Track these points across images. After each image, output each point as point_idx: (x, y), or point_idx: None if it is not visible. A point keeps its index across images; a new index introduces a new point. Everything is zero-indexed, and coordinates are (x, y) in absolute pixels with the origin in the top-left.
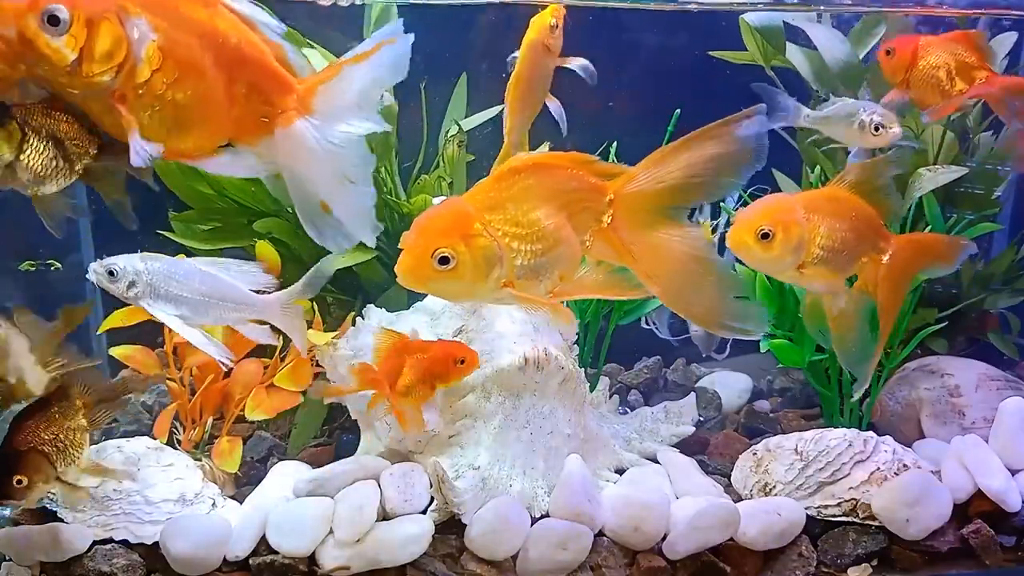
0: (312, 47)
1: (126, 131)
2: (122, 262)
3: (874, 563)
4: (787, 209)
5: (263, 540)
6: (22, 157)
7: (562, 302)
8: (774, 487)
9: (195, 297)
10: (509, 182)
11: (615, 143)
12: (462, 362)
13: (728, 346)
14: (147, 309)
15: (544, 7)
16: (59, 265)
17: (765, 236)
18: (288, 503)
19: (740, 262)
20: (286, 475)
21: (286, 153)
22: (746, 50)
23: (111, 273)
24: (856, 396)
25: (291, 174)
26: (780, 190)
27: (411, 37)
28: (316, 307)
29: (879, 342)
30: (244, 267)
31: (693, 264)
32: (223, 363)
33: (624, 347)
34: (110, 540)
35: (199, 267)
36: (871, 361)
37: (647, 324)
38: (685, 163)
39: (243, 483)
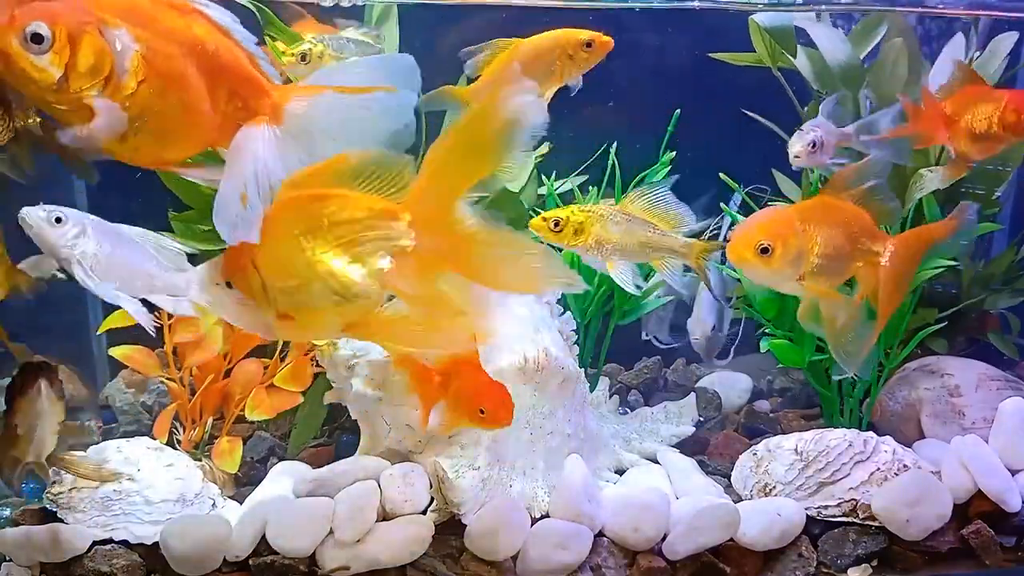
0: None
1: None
2: (67, 210)
3: (874, 563)
4: (784, 222)
5: (263, 540)
6: None
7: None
8: (774, 487)
9: (122, 262)
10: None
11: (615, 143)
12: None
13: (731, 352)
14: (79, 266)
15: (543, 8)
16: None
17: (765, 251)
18: (288, 503)
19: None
20: (286, 475)
21: (238, 146)
22: (752, 51)
23: (58, 220)
24: (836, 377)
25: (231, 165)
26: (780, 190)
27: (414, 96)
28: None
29: (872, 342)
30: (164, 242)
31: (506, 246)
32: (150, 330)
33: (624, 347)
34: (110, 540)
35: (127, 233)
36: (868, 360)
37: (646, 336)
38: (460, 148)
39: (243, 483)
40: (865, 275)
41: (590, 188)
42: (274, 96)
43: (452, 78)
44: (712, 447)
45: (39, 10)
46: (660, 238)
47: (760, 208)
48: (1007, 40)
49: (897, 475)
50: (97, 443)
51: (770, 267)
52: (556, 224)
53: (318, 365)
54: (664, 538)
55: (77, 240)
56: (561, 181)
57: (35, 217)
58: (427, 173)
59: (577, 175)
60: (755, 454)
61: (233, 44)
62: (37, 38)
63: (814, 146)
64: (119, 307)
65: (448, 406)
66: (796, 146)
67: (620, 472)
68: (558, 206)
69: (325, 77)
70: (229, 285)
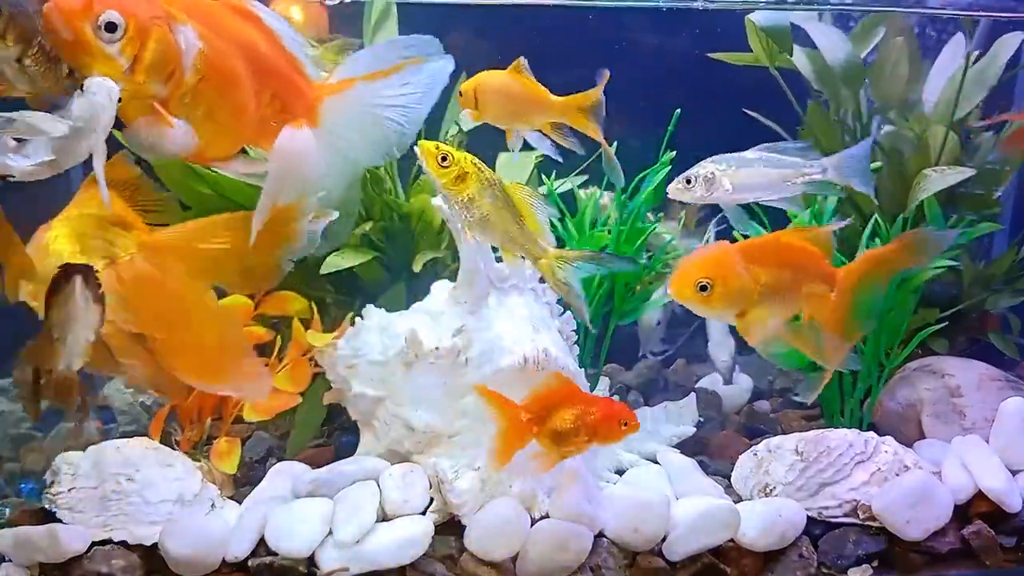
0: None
1: (161, 130)
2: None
3: (875, 564)
4: (725, 260)
5: (262, 541)
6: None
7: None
8: (774, 488)
9: None
10: None
11: (615, 143)
12: (626, 424)
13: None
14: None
15: (543, 7)
16: None
17: (704, 288)
18: (287, 504)
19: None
20: (285, 476)
21: (280, 154)
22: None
23: None
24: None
25: (277, 173)
26: None
27: (448, 60)
28: (315, 307)
29: (826, 377)
30: None
31: None
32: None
33: (624, 347)
34: (109, 541)
35: None
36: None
37: (643, 354)
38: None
39: (242, 484)
40: (815, 308)
41: (590, 188)
42: (310, 97)
43: (452, 78)
44: (712, 447)
45: (115, 0)
46: (521, 232)
47: (761, 210)
48: (1012, 41)
49: (898, 475)
50: (96, 443)
51: (709, 304)
52: (444, 159)
53: (317, 365)
54: (664, 539)
55: None
56: (561, 181)
57: None
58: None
59: (577, 175)
60: (755, 454)
61: (280, 48)
62: (111, 26)
63: (689, 182)
64: None
65: (549, 441)
66: (676, 182)
67: (620, 472)
68: (558, 206)
69: (351, 68)
70: None
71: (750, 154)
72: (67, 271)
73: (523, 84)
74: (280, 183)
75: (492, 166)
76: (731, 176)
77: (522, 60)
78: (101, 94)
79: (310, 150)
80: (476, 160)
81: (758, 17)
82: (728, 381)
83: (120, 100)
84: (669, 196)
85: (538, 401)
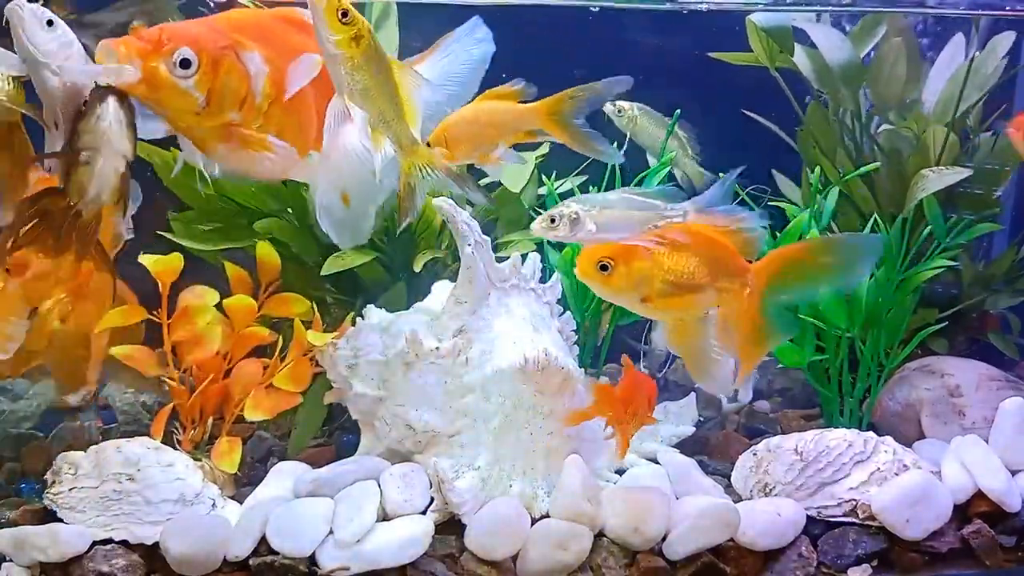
0: None
1: (251, 154)
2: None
3: (874, 564)
4: (629, 245)
5: (263, 540)
6: None
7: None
8: (774, 487)
9: None
10: None
11: (615, 143)
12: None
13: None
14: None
15: (544, 7)
16: None
17: (604, 268)
18: (288, 503)
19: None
20: (286, 475)
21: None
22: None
23: (50, 23)
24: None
25: (330, 168)
26: (780, 192)
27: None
28: (316, 307)
29: (745, 369)
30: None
31: None
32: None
33: (624, 347)
34: (110, 540)
35: None
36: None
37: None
38: None
39: (243, 483)
40: (726, 304)
41: (590, 188)
42: None
43: None
44: (712, 447)
45: (184, 35)
46: (397, 117)
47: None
48: (1006, 40)
49: (897, 475)
50: (97, 443)
51: (609, 284)
52: (344, 15)
53: (318, 365)
54: (664, 538)
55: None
56: (561, 181)
57: (28, 10)
58: None
59: (577, 175)
60: (755, 454)
61: None
62: (185, 63)
63: (553, 221)
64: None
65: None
66: (540, 220)
67: (620, 472)
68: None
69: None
70: None
71: (613, 195)
72: (101, 92)
73: (488, 109)
74: (337, 176)
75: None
76: (594, 217)
77: (520, 85)
78: (107, 119)
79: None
80: (371, 27)
81: (759, 17)
82: (734, 399)
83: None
84: (532, 232)
85: (626, 392)
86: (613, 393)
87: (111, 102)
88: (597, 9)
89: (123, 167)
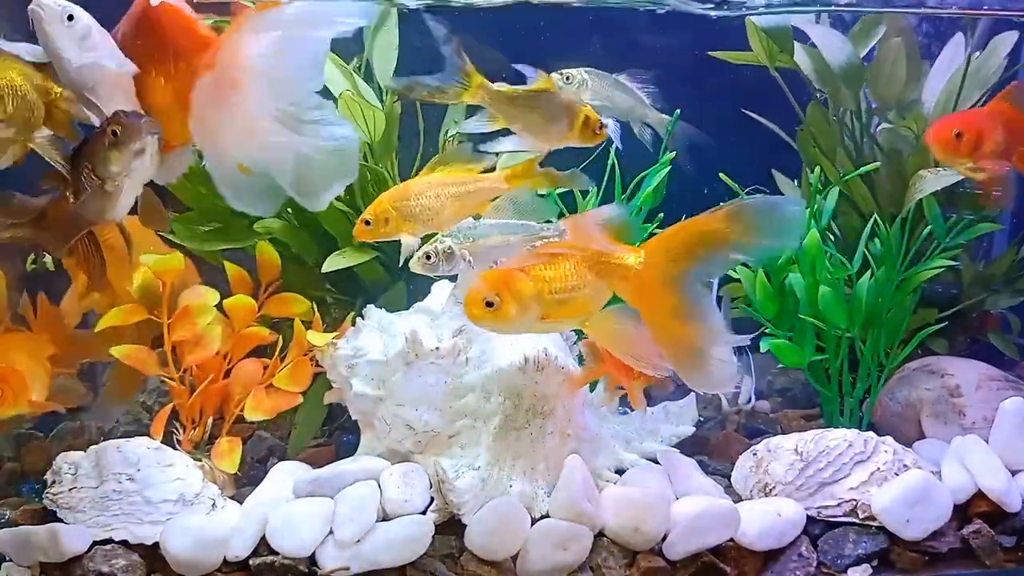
0: None
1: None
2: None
3: (874, 564)
4: (506, 270)
5: (263, 540)
6: None
7: None
8: (774, 487)
9: None
10: None
11: (615, 143)
12: None
13: (753, 396)
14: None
15: (546, 7)
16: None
17: (490, 304)
18: (288, 503)
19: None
20: (286, 475)
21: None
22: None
23: (71, 17)
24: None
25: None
26: (780, 191)
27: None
28: (316, 307)
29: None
30: None
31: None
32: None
33: None
34: (110, 540)
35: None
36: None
37: None
38: None
39: (243, 483)
40: (622, 288)
41: (590, 188)
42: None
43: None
44: (712, 447)
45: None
46: None
47: None
48: (1007, 40)
49: (897, 475)
50: (97, 443)
51: (505, 318)
52: None
53: (318, 365)
54: (664, 538)
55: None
56: None
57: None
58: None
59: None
60: (755, 454)
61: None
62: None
63: (429, 258)
64: None
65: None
66: (417, 259)
67: (620, 472)
68: (558, 207)
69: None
70: None
71: (486, 222)
72: (138, 126)
73: (450, 183)
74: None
75: (493, 168)
76: (469, 247)
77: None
78: (147, 158)
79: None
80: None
81: (759, 18)
82: (732, 402)
83: None
84: (412, 270)
85: None
86: (609, 354)
87: (153, 142)
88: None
89: (140, 190)
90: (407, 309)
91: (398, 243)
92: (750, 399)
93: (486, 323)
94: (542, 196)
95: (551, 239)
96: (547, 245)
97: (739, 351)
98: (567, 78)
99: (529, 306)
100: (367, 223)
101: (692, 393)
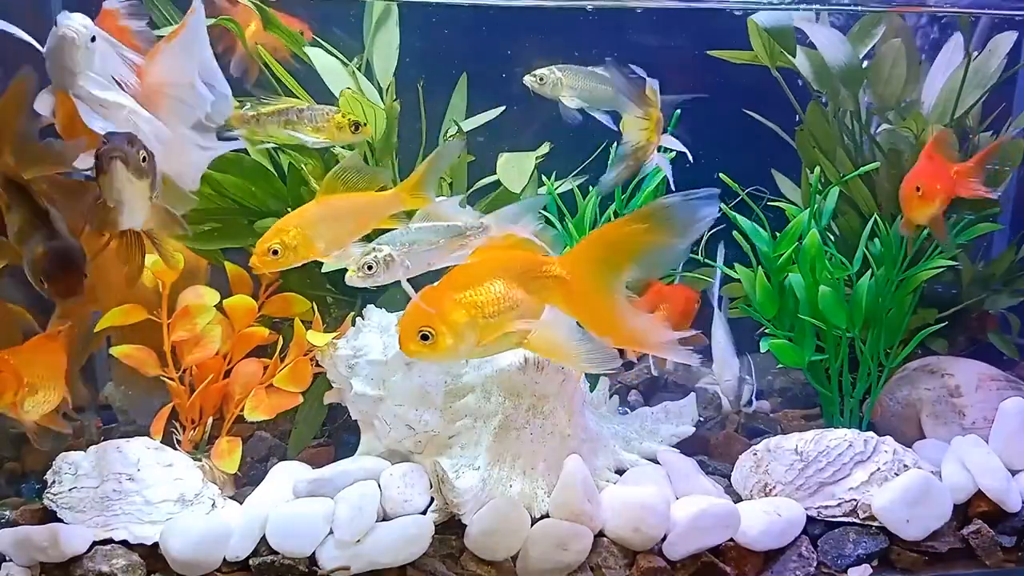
0: (315, 47)
1: None
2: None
3: (874, 563)
4: (437, 301)
5: (263, 540)
6: None
7: None
8: (774, 487)
9: None
10: None
11: (615, 144)
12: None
13: (754, 399)
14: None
15: (547, 9)
16: None
17: (426, 338)
18: (288, 503)
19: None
20: (286, 475)
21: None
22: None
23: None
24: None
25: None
26: (780, 191)
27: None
28: (316, 307)
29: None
30: None
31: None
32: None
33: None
34: (110, 540)
35: None
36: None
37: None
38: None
39: (243, 483)
40: (554, 299)
41: (590, 188)
42: None
43: (451, 79)
44: (712, 447)
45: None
46: None
47: (761, 210)
48: (1007, 39)
49: (897, 475)
50: (97, 443)
51: (443, 350)
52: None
53: (318, 365)
54: (664, 538)
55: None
56: (560, 181)
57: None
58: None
59: (576, 175)
60: (755, 454)
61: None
62: None
63: (370, 268)
64: None
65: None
66: (357, 271)
67: (620, 472)
68: (558, 207)
69: None
70: None
71: (416, 227)
72: (107, 155)
73: (347, 204)
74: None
75: (493, 167)
76: (407, 254)
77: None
78: (119, 183)
79: None
80: None
81: (761, 17)
82: (734, 404)
83: None
84: (348, 283)
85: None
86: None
87: (117, 168)
88: (592, 9)
89: (148, 202)
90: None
91: None
92: (751, 400)
93: (423, 357)
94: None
95: (477, 236)
96: (461, 266)
97: (739, 352)
98: (540, 79)
99: (464, 334)
100: (275, 252)
101: (692, 393)
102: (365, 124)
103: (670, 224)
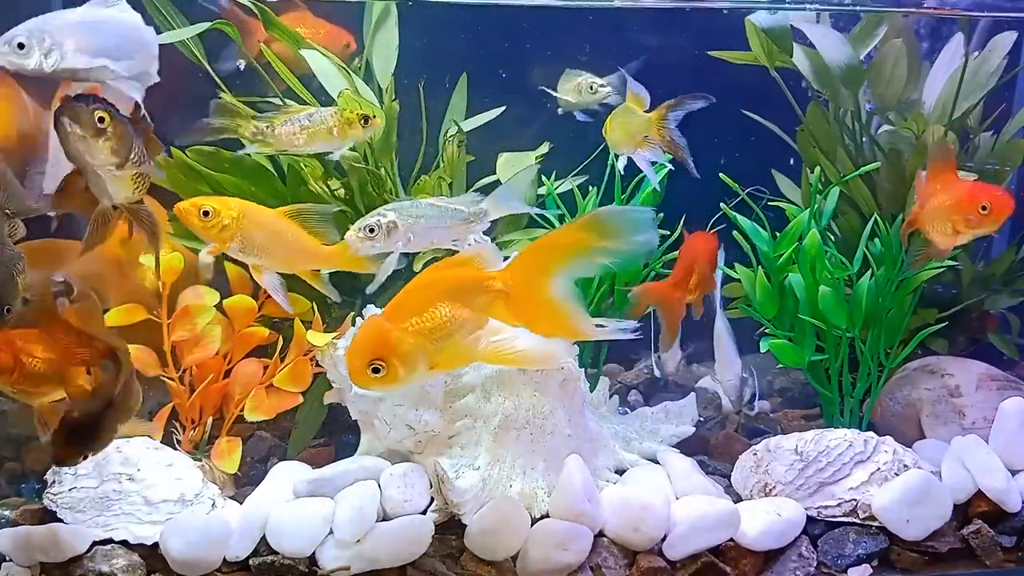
0: (313, 47)
1: None
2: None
3: (874, 563)
4: (385, 332)
5: (263, 540)
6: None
7: None
8: (774, 487)
9: None
10: None
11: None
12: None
13: (756, 401)
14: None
15: (545, 8)
16: None
17: (377, 371)
18: (288, 503)
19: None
20: (286, 475)
21: None
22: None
23: (20, 46)
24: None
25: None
26: (780, 191)
27: None
28: (316, 307)
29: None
30: None
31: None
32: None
33: (624, 347)
34: (110, 540)
35: None
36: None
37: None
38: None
39: (243, 483)
40: (498, 312)
41: (590, 188)
42: None
43: (451, 78)
44: (712, 447)
45: None
46: None
47: (761, 210)
48: (1006, 40)
49: (897, 475)
50: None
51: (395, 379)
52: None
53: (318, 365)
54: (664, 538)
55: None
56: (560, 181)
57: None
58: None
59: (576, 175)
60: (755, 454)
61: None
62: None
63: (372, 231)
64: None
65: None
66: (358, 232)
67: (620, 472)
68: (558, 207)
69: None
70: None
71: (424, 202)
72: (56, 112)
73: (297, 231)
74: None
75: (493, 166)
76: (410, 226)
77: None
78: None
79: None
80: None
81: (759, 18)
82: (736, 405)
83: None
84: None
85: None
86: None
87: (64, 122)
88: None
89: (112, 170)
90: None
91: None
92: (752, 401)
93: (375, 389)
94: (541, 196)
95: (480, 217)
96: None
97: (739, 353)
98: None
99: (415, 363)
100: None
101: (692, 393)
102: (374, 116)
103: (607, 231)
